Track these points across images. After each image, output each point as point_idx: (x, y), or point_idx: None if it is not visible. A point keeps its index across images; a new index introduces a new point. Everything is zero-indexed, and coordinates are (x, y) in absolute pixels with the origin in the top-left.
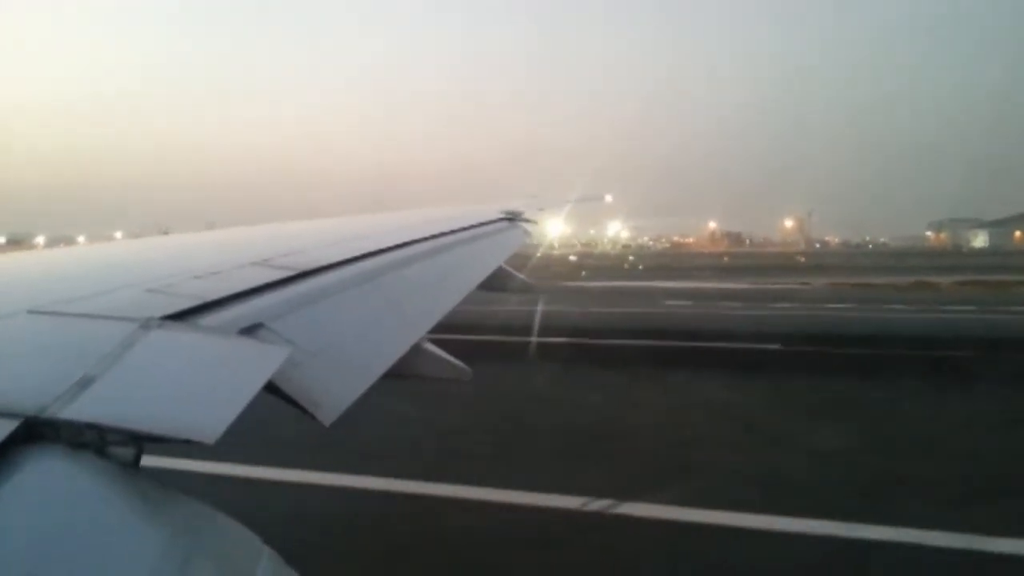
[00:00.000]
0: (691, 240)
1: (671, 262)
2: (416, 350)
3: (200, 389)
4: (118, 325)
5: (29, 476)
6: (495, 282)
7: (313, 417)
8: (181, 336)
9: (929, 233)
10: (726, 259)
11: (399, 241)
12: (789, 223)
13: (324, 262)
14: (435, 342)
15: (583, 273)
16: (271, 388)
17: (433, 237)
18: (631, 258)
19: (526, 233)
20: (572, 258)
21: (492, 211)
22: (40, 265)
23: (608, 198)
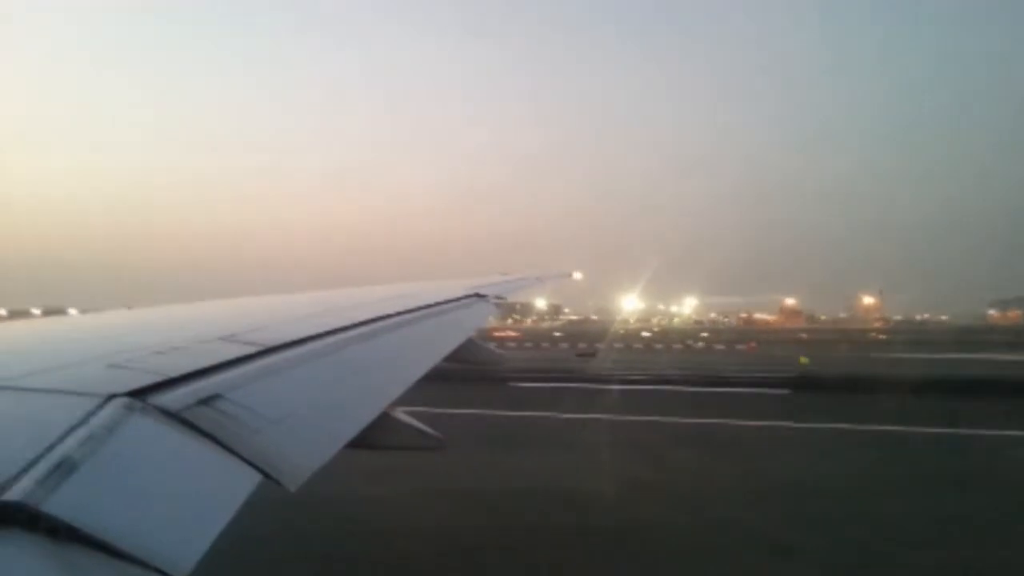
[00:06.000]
0: (772, 318)
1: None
2: (385, 420)
3: (168, 505)
4: (77, 401)
5: None
6: (464, 355)
7: (278, 483)
8: (148, 426)
9: (992, 311)
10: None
11: (367, 317)
12: (869, 300)
13: (291, 337)
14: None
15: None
16: (231, 452)
17: (401, 313)
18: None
19: (494, 309)
20: (645, 333)
21: (461, 287)
22: (1, 337)
23: (577, 275)
